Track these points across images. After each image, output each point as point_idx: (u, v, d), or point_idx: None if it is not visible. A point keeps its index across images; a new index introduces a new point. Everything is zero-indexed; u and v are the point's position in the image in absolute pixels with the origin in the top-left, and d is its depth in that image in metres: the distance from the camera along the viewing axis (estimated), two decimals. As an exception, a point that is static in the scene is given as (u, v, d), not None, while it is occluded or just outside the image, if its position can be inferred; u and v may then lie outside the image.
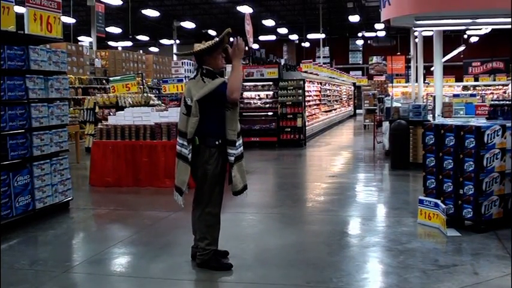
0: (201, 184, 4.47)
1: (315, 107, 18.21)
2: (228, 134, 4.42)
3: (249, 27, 17.06)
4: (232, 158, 4.41)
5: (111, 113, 10.38)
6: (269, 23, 28.78)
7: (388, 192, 8.34)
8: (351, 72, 35.81)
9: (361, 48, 40.17)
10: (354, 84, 31.42)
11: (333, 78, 24.45)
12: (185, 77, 20.65)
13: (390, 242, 5.23)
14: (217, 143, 4.39)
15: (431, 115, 10.21)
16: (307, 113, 15.45)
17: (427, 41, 15.04)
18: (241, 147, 4.57)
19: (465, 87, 27.51)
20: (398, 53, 30.93)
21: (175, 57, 30.13)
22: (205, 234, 4.48)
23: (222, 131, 4.40)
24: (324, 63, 27.35)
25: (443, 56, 11.40)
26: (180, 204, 4.52)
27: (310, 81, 17.14)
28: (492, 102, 8.84)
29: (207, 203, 4.47)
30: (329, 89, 22.32)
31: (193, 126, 4.31)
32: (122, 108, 11.01)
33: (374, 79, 30.70)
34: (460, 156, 5.47)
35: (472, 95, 13.74)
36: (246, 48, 24.05)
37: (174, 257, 5.02)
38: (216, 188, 4.48)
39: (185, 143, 4.36)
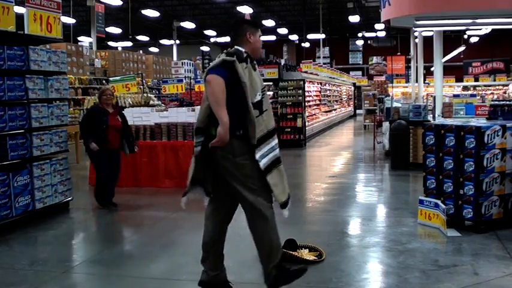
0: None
1: (314, 107, 18.21)
2: None
3: (249, 28, 17.05)
4: None
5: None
6: (269, 23, 28.77)
7: (388, 192, 8.34)
8: (351, 73, 35.80)
9: (361, 49, 40.16)
10: (354, 84, 31.42)
11: (333, 78, 24.44)
12: (185, 77, 20.67)
13: (390, 242, 5.23)
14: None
15: (431, 115, 10.21)
16: (307, 113, 15.44)
17: (427, 41, 15.04)
18: None
19: (465, 88, 27.52)
20: (399, 53, 30.92)
21: (174, 58, 30.14)
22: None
23: None
24: (324, 64, 27.34)
25: (443, 56, 11.39)
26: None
27: (310, 82, 17.14)
28: (492, 103, 8.84)
29: None
30: (329, 89, 22.32)
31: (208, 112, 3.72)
32: (121, 109, 11.00)
33: (374, 79, 30.69)
34: (460, 156, 5.47)
35: (472, 95, 13.74)
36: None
37: (174, 257, 5.02)
38: None
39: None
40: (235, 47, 3.71)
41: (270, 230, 3.74)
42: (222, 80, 3.46)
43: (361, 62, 40.20)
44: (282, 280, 3.74)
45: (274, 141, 3.72)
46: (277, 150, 3.72)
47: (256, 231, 3.78)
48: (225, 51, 3.71)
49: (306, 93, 15.32)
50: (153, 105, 11.57)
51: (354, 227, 6.14)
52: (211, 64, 3.64)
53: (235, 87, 3.52)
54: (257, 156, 3.58)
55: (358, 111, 29.50)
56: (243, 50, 3.69)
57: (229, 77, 3.51)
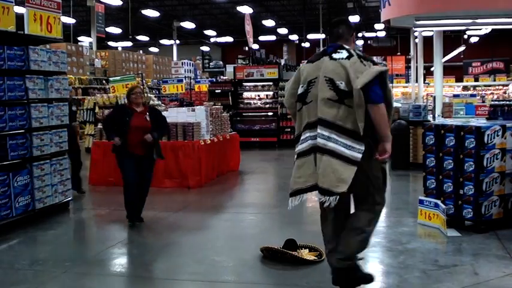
0: (373, 190, 3.74)
1: (315, 107, 18.19)
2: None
3: (249, 28, 17.08)
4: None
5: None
6: (269, 23, 28.76)
7: (388, 192, 8.32)
8: (351, 73, 35.72)
9: (361, 49, 40.09)
10: (354, 84, 31.34)
11: (333, 78, 24.39)
12: (185, 77, 20.67)
13: (390, 242, 5.23)
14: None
15: (431, 115, 10.21)
16: (307, 113, 15.41)
17: (427, 41, 15.03)
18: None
19: (465, 88, 27.48)
20: (399, 53, 30.88)
21: (174, 58, 30.16)
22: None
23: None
24: (324, 64, 27.28)
25: (443, 56, 11.39)
26: (330, 206, 3.59)
27: (310, 82, 17.12)
28: (492, 103, 8.84)
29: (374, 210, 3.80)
30: (329, 89, 22.29)
31: (363, 119, 3.50)
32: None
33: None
34: (460, 156, 5.47)
35: (472, 96, 13.76)
36: (246, 48, 24.08)
37: (174, 257, 5.01)
38: None
39: (346, 141, 3.54)
40: (345, 46, 3.70)
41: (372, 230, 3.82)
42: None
43: (361, 62, 40.13)
44: (348, 277, 3.74)
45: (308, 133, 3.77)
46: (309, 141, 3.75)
47: (363, 222, 3.75)
48: (351, 49, 3.70)
49: (306, 93, 15.30)
50: (153, 105, 11.57)
51: (354, 227, 6.13)
52: (361, 69, 3.53)
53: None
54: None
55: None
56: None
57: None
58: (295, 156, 3.83)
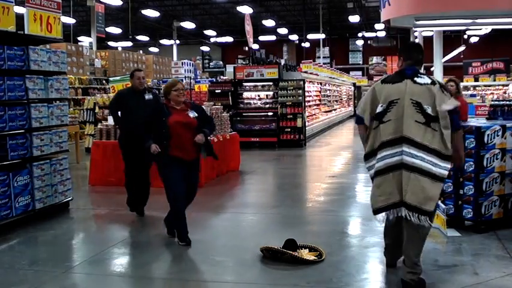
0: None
1: (314, 107, 18.21)
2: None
3: (249, 28, 17.08)
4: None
5: (111, 113, 10.33)
6: (269, 23, 28.78)
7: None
8: (350, 73, 35.80)
9: (361, 49, 40.14)
10: (354, 84, 31.42)
11: (333, 78, 24.44)
12: (185, 77, 20.67)
13: (390, 242, 5.22)
14: None
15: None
16: (307, 113, 15.44)
17: (427, 41, 15.01)
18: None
19: (465, 88, 27.48)
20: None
21: (174, 58, 30.16)
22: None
23: None
24: (324, 64, 27.35)
25: (443, 56, 11.38)
26: (415, 222, 3.86)
27: (310, 82, 17.15)
28: (492, 103, 8.83)
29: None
30: (329, 89, 22.33)
31: (450, 140, 3.88)
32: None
33: (374, 79, 30.69)
34: (460, 156, 5.46)
35: (472, 95, 13.75)
36: (246, 48, 24.06)
37: (174, 257, 5.02)
38: None
39: (432, 159, 3.82)
40: (420, 71, 4.11)
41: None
42: None
43: (361, 62, 40.19)
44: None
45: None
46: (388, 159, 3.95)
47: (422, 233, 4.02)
48: (434, 79, 4.09)
49: (306, 93, 15.33)
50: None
51: (354, 227, 6.14)
52: (444, 97, 3.89)
53: None
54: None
55: (358, 111, 29.46)
56: None
57: None
58: (373, 173, 4.06)
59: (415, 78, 3.97)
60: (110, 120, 8.98)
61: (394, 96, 3.94)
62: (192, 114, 5.13)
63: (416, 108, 3.87)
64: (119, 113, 6.63)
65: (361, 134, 4.22)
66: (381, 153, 3.95)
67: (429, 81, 3.97)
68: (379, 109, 3.98)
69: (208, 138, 5.30)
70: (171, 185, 5.07)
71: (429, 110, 3.86)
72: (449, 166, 3.89)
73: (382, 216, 4.03)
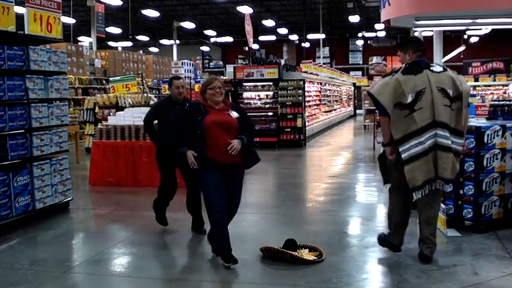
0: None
1: (315, 107, 18.21)
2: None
3: (249, 28, 17.07)
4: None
5: (111, 114, 10.37)
6: (269, 23, 28.77)
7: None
8: (350, 73, 35.79)
9: (361, 49, 40.14)
10: (354, 84, 31.41)
11: (333, 78, 24.44)
12: (185, 77, 20.67)
13: (390, 242, 5.22)
14: None
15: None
16: (307, 113, 15.44)
17: (427, 41, 14.98)
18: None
19: (465, 88, 27.45)
20: (399, 53, 30.90)
21: (174, 58, 30.16)
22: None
23: None
24: (324, 64, 27.34)
25: (443, 57, 11.39)
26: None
27: (310, 82, 17.14)
28: (492, 103, 8.82)
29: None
30: (329, 89, 22.32)
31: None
32: (121, 109, 11.00)
33: (374, 79, 30.68)
34: (460, 156, 5.47)
35: (472, 95, 13.72)
36: (246, 48, 24.04)
37: (174, 257, 5.02)
38: None
39: (452, 138, 4.41)
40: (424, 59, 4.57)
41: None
42: None
43: (361, 62, 40.18)
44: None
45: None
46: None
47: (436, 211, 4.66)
48: (442, 66, 4.63)
49: (306, 93, 15.33)
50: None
51: (354, 227, 6.14)
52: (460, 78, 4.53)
53: None
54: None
55: (358, 111, 29.51)
56: None
57: None
58: (408, 156, 4.38)
59: (431, 68, 4.49)
60: (110, 120, 8.99)
61: (420, 86, 4.37)
62: (235, 114, 4.59)
63: (443, 93, 4.38)
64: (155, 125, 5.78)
65: (383, 124, 4.56)
66: (418, 138, 4.35)
67: (441, 68, 4.53)
68: (409, 99, 4.35)
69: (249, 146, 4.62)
70: (208, 192, 4.49)
71: (451, 93, 4.40)
72: (461, 142, 4.46)
73: (419, 193, 4.42)
